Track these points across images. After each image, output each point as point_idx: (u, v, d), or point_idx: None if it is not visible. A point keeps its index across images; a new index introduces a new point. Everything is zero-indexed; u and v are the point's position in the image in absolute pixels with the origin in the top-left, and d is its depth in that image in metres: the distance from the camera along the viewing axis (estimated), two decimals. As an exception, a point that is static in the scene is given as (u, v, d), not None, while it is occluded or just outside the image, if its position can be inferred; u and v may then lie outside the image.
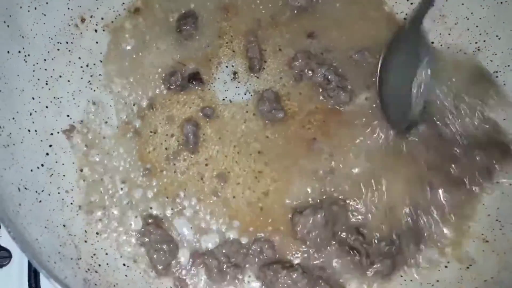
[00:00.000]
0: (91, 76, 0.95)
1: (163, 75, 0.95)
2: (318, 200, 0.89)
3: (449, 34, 0.96)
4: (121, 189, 0.91)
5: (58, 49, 0.92)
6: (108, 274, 0.85)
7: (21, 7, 0.85)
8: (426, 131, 0.90)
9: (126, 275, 0.87)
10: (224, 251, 0.87)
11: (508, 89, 0.90)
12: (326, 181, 0.90)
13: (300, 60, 0.94)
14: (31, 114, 0.87)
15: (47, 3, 0.89)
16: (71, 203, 0.88)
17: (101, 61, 0.96)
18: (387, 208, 0.88)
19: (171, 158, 0.92)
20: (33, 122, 0.87)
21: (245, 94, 0.95)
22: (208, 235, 0.89)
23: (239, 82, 0.95)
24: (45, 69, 0.90)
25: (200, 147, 0.92)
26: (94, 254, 0.86)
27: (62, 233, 0.84)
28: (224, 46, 0.97)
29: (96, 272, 0.84)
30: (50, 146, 0.89)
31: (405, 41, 0.92)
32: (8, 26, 0.83)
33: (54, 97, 0.91)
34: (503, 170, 0.88)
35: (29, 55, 0.87)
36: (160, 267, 0.86)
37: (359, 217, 0.88)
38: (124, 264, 0.88)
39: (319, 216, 0.86)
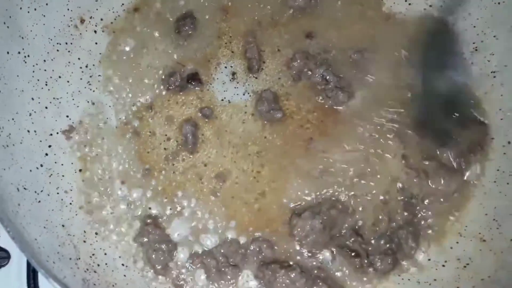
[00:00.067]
0: (91, 76, 0.95)
1: (162, 75, 0.95)
2: (315, 199, 0.89)
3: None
4: (120, 189, 0.91)
5: (57, 50, 0.93)
6: (107, 274, 0.85)
7: (21, 8, 0.85)
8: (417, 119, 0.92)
9: (124, 275, 0.87)
10: (222, 251, 0.88)
11: (506, 89, 0.90)
12: (323, 181, 0.90)
13: (298, 61, 0.94)
14: (30, 114, 0.87)
15: (46, 4, 0.89)
16: (70, 203, 0.89)
17: (100, 62, 0.96)
18: (384, 203, 0.89)
19: (170, 158, 0.92)
20: (32, 123, 0.87)
21: (243, 95, 0.95)
22: (207, 235, 0.89)
23: (238, 83, 0.95)
24: (45, 70, 0.91)
25: (199, 147, 0.93)
26: (93, 254, 0.86)
27: (61, 233, 0.84)
28: (223, 46, 0.97)
29: (95, 272, 0.84)
30: (50, 146, 0.90)
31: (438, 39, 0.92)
32: (8, 27, 0.83)
33: (54, 98, 0.92)
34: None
35: (28, 55, 0.87)
36: (158, 267, 0.87)
37: (357, 216, 0.89)
38: (122, 264, 0.88)
39: (317, 220, 0.86)
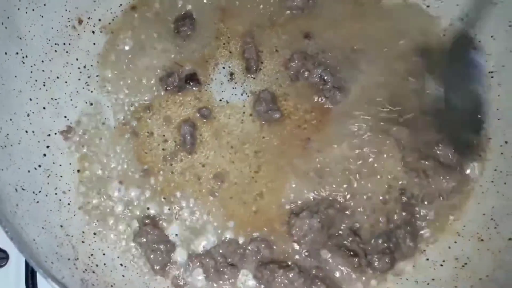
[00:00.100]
0: (89, 77, 0.95)
1: (161, 76, 0.95)
2: (313, 199, 0.89)
3: (444, 35, 0.97)
4: (118, 189, 0.91)
5: (55, 51, 0.93)
6: (106, 274, 0.85)
7: (19, 9, 0.85)
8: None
9: (123, 275, 0.87)
10: (221, 251, 0.88)
11: (503, 89, 0.91)
12: (321, 180, 0.90)
13: (296, 61, 0.95)
14: (28, 115, 0.88)
15: (44, 4, 0.89)
16: (69, 204, 0.89)
17: (98, 62, 0.96)
18: (382, 203, 0.89)
19: (169, 158, 0.92)
20: (30, 123, 0.87)
21: (241, 95, 0.95)
22: (205, 235, 0.89)
23: (236, 83, 0.96)
24: (43, 70, 0.91)
25: (197, 148, 0.93)
26: (92, 255, 0.86)
27: (59, 234, 0.84)
28: (221, 47, 0.97)
29: (93, 272, 0.84)
30: (48, 147, 0.90)
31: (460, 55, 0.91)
32: (6, 27, 0.83)
33: (52, 98, 0.92)
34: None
35: (26, 56, 0.88)
36: (157, 267, 0.87)
37: (356, 216, 0.89)
38: (121, 264, 0.88)
39: (315, 220, 0.86)
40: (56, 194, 0.88)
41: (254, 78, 0.96)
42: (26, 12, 0.87)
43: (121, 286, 0.85)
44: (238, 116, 0.94)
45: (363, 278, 0.87)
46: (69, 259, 0.82)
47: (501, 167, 0.89)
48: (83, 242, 0.87)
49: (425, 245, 0.88)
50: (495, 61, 0.92)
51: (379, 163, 0.90)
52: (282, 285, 0.84)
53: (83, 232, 0.88)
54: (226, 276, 0.87)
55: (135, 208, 0.90)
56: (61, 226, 0.86)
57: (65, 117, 0.93)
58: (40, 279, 0.90)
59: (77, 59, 0.95)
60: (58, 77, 0.93)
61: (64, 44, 0.94)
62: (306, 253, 0.87)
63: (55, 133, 0.91)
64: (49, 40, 0.92)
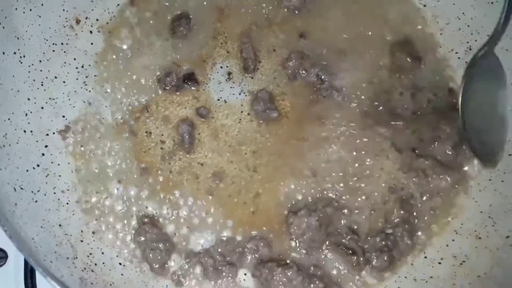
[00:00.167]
0: (86, 77, 0.95)
1: (159, 75, 0.95)
2: (311, 199, 0.90)
3: (441, 34, 0.97)
4: (117, 189, 0.91)
5: (53, 50, 0.93)
6: (104, 273, 0.85)
7: (16, 9, 0.85)
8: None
9: (122, 274, 0.87)
10: (219, 249, 0.88)
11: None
12: (319, 179, 0.90)
13: (293, 60, 0.95)
14: (26, 114, 0.88)
15: (42, 4, 0.89)
16: (67, 203, 0.89)
17: (96, 62, 0.96)
18: (380, 201, 0.89)
19: (167, 158, 0.92)
20: (28, 123, 0.87)
21: (239, 94, 0.95)
22: (204, 234, 0.89)
23: (233, 83, 0.96)
24: (41, 70, 0.91)
25: (195, 147, 0.93)
26: (90, 254, 0.86)
27: (58, 233, 0.84)
28: (218, 46, 0.97)
29: (92, 271, 0.84)
30: (46, 146, 0.90)
31: (483, 67, 0.84)
32: (3, 27, 0.83)
33: (50, 98, 0.92)
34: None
35: (24, 56, 0.87)
36: (156, 266, 0.87)
37: (353, 215, 0.89)
38: (120, 263, 0.88)
39: (313, 218, 0.87)
40: (54, 193, 0.88)
41: (252, 78, 0.96)
42: (24, 12, 0.87)
43: (120, 284, 0.85)
44: (236, 116, 0.94)
45: (361, 276, 0.87)
46: (68, 258, 0.82)
47: (498, 165, 0.89)
48: (82, 241, 0.87)
49: (423, 243, 0.89)
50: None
51: (376, 162, 0.91)
52: (281, 283, 0.84)
53: (81, 231, 0.88)
54: (224, 275, 0.87)
55: (133, 207, 0.90)
56: (60, 225, 0.86)
57: (63, 116, 0.93)
58: (39, 278, 0.90)
59: (74, 59, 0.95)
60: (56, 77, 0.93)
61: (62, 44, 0.94)
62: (305, 251, 0.88)
63: (53, 133, 0.91)
64: (47, 40, 0.92)
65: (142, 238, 0.87)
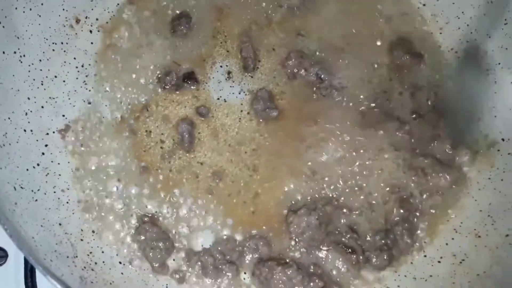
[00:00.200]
0: (86, 76, 0.95)
1: (158, 75, 0.96)
2: (310, 198, 0.90)
3: (440, 33, 0.97)
4: (117, 187, 0.91)
5: (53, 50, 0.93)
6: (105, 272, 0.86)
7: (16, 8, 0.85)
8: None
9: (122, 273, 0.87)
10: (219, 248, 0.88)
11: (498, 86, 0.91)
12: (319, 178, 0.90)
13: (293, 60, 0.95)
14: (26, 114, 0.88)
15: (42, 4, 0.89)
16: (67, 202, 0.89)
17: (96, 61, 0.96)
18: (379, 200, 0.90)
19: (167, 157, 0.92)
20: (28, 122, 0.87)
21: (239, 93, 0.95)
22: (204, 232, 0.89)
23: (233, 82, 0.96)
24: (41, 70, 0.91)
25: (195, 146, 0.93)
26: (90, 252, 0.87)
27: (58, 232, 0.84)
28: (218, 46, 0.97)
29: (92, 270, 0.84)
30: (46, 145, 0.90)
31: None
32: (3, 26, 0.83)
33: (50, 97, 0.92)
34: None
35: (24, 55, 0.88)
36: (156, 265, 0.87)
37: (353, 214, 0.89)
38: (120, 262, 0.88)
39: (312, 217, 0.87)
40: (54, 192, 0.88)
41: (251, 77, 0.96)
42: (24, 12, 0.87)
43: (120, 283, 0.85)
44: (235, 115, 0.94)
45: (361, 275, 0.87)
46: (68, 257, 0.82)
47: (497, 164, 0.89)
48: (82, 240, 0.87)
49: (422, 241, 0.89)
50: (490, 60, 0.92)
51: (375, 161, 0.91)
52: (280, 282, 0.84)
53: (81, 230, 0.88)
54: (224, 273, 0.87)
55: (133, 206, 0.90)
56: (60, 224, 0.86)
57: (63, 115, 0.93)
58: (39, 277, 0.90)
59: (74, 58, 0.95)
60: (56, 76, 0.93)
61: (62, 43, 0.94)
62: (304, 250, 0.88)
63: (53, 132, 0.91)
64: (47, 39, 0.92)
65: (142, 237, 0.88)
